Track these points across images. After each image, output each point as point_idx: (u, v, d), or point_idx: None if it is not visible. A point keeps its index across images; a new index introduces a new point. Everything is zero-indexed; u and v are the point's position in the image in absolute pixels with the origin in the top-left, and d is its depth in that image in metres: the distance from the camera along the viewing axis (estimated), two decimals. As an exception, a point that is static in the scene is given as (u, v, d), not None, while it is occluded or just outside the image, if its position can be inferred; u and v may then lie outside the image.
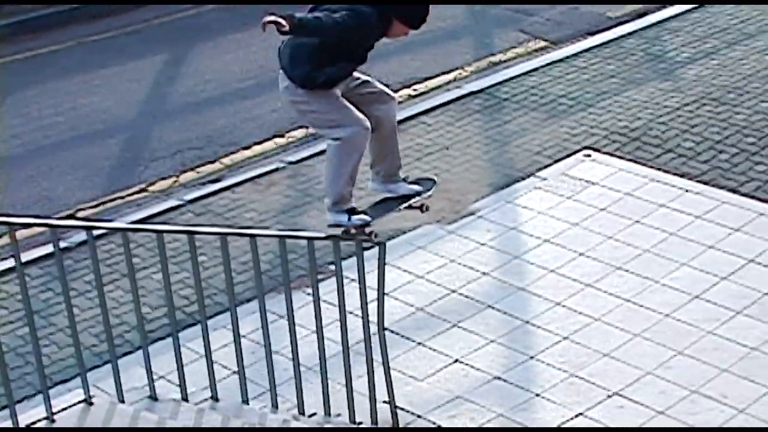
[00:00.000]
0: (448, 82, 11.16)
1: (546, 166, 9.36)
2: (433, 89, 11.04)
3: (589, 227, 8.50)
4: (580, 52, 11.40)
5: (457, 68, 11.49)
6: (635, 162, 9.28)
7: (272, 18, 5.76)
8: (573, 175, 9.20)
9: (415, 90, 11.07)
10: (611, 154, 9.44)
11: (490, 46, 11.96)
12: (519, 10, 12.79)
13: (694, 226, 8.42)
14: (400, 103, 10.74)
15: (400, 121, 10.30)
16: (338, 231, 6.54)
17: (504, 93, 10.70)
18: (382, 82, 6.59)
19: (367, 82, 6.47)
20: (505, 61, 11.55)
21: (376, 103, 6.45)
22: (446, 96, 10.74)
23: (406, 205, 6.74)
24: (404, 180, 6.81)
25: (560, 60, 11.29)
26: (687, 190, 8.86)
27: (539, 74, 11.02)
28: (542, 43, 11.94)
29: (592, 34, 11.96)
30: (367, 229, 6.52)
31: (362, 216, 6.53)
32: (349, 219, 6.50)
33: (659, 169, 9.15)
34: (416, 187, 6.80)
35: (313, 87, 6.18)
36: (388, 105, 6.50)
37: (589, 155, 9.47)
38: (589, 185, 9.04)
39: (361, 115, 6.29)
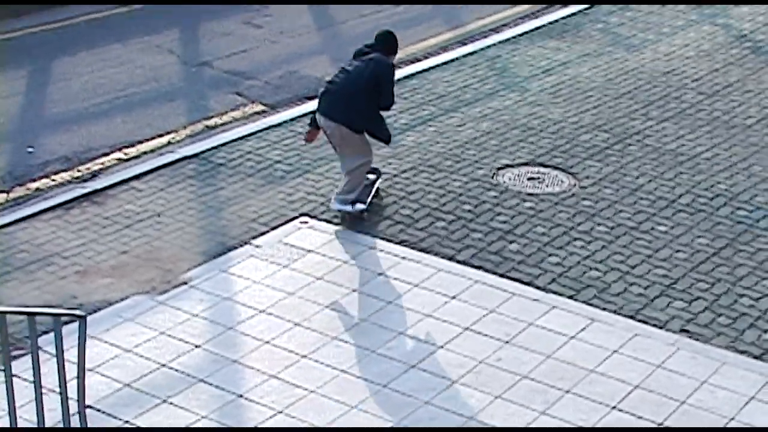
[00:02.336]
0: (162, 146, 11.06)
1: (262, 234, 9.39)
2: (145, 153, 10.91)
3: (306, 296, 8.56)
4: (299, 117, 11.56)
5: (170, 131, 11.41)
6: (353, 229, 9.44)
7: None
8: (290, 242, 9.27)
9: (126, 154, 10.90)
10: (329, 221, 9.57)
11: (206, 109, 11.95)
12: (236, 72, 12.87)
13: (412, 294, 8.62)
14: (108, 168, 10.62)
15: (109, 187, 10.16)
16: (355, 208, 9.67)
17: (219, 158, 10.70)
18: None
19: None
20: (221, 125, 11.57)
21: None
22: (159, 160, 10.64)
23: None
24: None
25: (278, 124, 11.40)
26: (405, 258, 9.07)
27: (256, 139, 11.09)
28: (260, 107, 12.04)
29: (311, 98, 12.14)
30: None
31: (359, 205, 9.61)
32: (353, 206, 9.58)
33: (377, 237, 9.34)
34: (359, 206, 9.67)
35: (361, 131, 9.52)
36: None
37: (306, 222, 9.57)
38: (305, 253, 9.12)
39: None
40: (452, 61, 13.10)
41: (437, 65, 12.89)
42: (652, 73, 12.80)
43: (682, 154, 10.87)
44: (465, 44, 13.68)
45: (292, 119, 11.53)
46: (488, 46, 13.59)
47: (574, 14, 14.76)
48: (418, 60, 12.97)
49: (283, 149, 10.88)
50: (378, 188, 9.96)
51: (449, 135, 11.19)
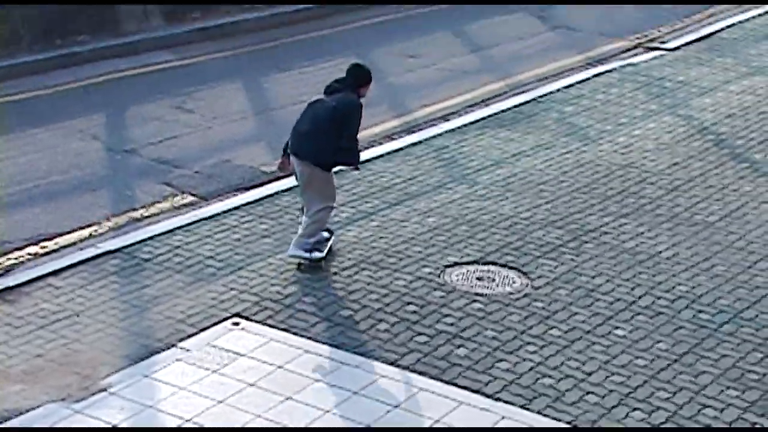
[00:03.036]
0: (82, 240, 11.01)
1: (190, 336, 9.32)
2: (64, 247, 10.85)
3: (237, 404, 8.49)
4: (232, 209, 11.57)
5: (92, 224, 11.37)
6: (288, 331, 9.41)
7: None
8: (219, 345, 9.21)
9: (43, 247, 10.83)
10: (262, 323, 9.53)
11: (132, 200, 11.93)
12: (165, 160, 12.88)
13: (351, 402, 8.57)
14: (22, 263, 10.55)
15: (23, 284, 10.08)
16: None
17: (145, 253, 10.65)
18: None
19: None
20: (147, 217, 11.54)
21: None
22: (79, 255, 10.57)
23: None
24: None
25: (209, 217, 11.40)
26: (344, 363, 9.04)
27: (185, 233, 11.06)
28: (190, 198, 12.04)
29: (245, 189, 12.18)
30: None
31: (317, 254, 10.39)
32: (311, 253, 10.35)
33: (314, 340, 9.31)
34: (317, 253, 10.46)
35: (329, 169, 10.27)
36: None
37: (237, 324, 9.52)
38: (237, 357, 9.06)
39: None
40: (397, 151, 13.21)
41: (381, 155, 12.99)
42: (609, 165, 12.97)
43: (642, 253, 10.97)
44: (411, 133, 13.82)
45: (225, 212, 11.53)
46: (436, 136, 13.73)
47: (527, 102, 14.98)
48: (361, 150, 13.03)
49: (215, 244, 10.87)
50: (330, 246, 10.64)
51: (393, 230, 11.23)
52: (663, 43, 17.92)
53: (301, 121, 10.32)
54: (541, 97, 15.20)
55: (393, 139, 13.67)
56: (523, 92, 15.48)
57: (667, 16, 19.65)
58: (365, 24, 18.51)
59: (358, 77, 10.30)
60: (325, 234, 10.64)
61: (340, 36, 17.94)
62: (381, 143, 13.40)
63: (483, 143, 13.52)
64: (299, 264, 10.39)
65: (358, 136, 10.29)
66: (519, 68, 16.71)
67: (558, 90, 15.50)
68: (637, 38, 18.30)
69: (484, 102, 15.12)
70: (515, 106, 14.83)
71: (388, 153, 13.12)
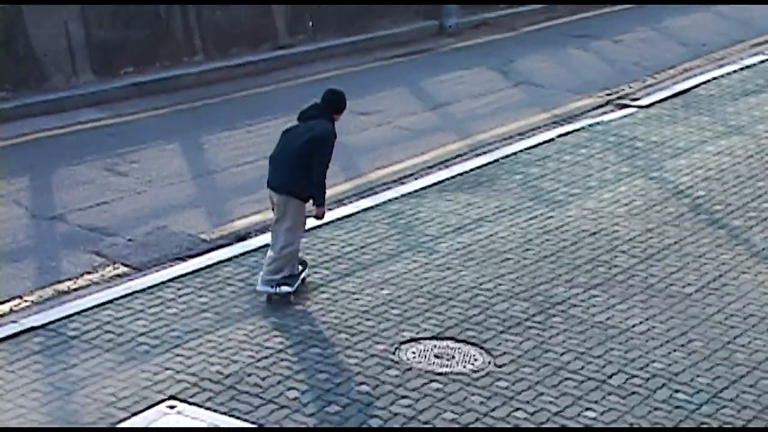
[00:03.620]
0: (3, 315, 10.93)
1: (121, 420, 9.25)
2: (-18, 323, 10.80)
3: (172, 496, 8.42)
4: (168, 281, 11.53)
5: (14, 298, 11.30)
6: (230, 415, 9.35)
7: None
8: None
9: (-41, 324, 10.78)
10: (201, 406, 9.48)
11: (58, 272, 11.88)
12: (95, 228, 12.85)
13: (297, 492, 8.53)
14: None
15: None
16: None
17: (72, 330, 10.59)
18: None
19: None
20: (75, 290, 11.49)
21: None
22: (-1, 332, 10.53)
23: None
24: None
25: (143, 290, 11.35)
26: (290, 449, 9.00)
27: (117, 307, 11.01)
28: (122, 269, 12.00)
29: (183, 259, 12.15)
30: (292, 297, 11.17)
31: (285, 288, 11.08)
32: (279, 288, 11.04)
33: (258, 423, 9.26)
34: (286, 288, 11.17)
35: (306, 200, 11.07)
36: None
37: (173, 407, 9.46)
38: (173, 444, 9.01)
39: None
40: (349, 216, 13.24)
41: (331, 221, 13.00)
42: (578, 232, 13.05)
43: (613, 327, 11.01)
44: (364, 197, 13.87)
45: (160, 284, 11.49)
46: (391, 200, 13.78)
47: (489, 164, 15.08)
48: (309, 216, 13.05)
49: (149, 319, 10.82)
50: (304, 278, 11.38)
51: (344, 303, 11.23)
52: (635, 100, 18.13)
53: (276, 151, 11.09)
54: (504, 158, 15.30)
55: (344, 203, 13.71)
56: (484, 153, 15.59)
57: (638, 71, 19.91)
58: (314, 79, 18.61)
59: (333, 103, 11.11)
60: (300, 267, 11.32)
61: (285, 92, 18.02)
62: (330, 208, 13.39)
63: (442, 208, 13.58)
64: (269, 296, 11.06)
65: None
66: (480, 127, 16.84)
67: (522, 150, 15.62)
68: (607, 95, 18.51)
69: (443, 163, 15.21)
70: (476, 168, 14.92)
71: (339, 219, 13.14)
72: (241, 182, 14.32)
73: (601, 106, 17.95)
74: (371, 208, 13.51)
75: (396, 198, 13.88)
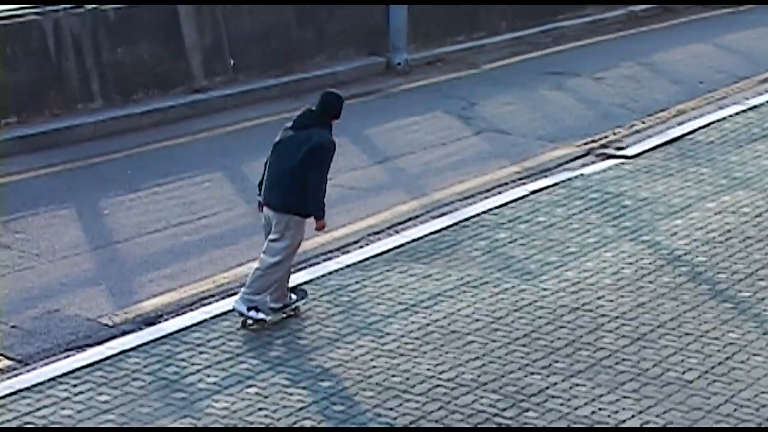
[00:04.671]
0: None
1: None
2: None
3: None
4: (61, 376, 11.40)
5: None
6: None
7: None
8: None
9: None
10: None
11: (-73, 366, 11.76)
12: (-28, 312, 12.76)
13: None
14: None
15: None
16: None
17: (-56, 436, 10.45)
18: None
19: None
20: (-53, 387, 11.37)
21: None
22: None
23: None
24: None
25: (30, 387, 11.21)
26: None
27: (-2, 408, 10.91)
28: (4, 362, 11.88)
29: (80, 349, 12.04)
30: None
31: (261, 314, 12.11)
32: (256, 312, 12.13)
33: None
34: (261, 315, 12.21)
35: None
36: None
37: None
38: None
39: None
40: (280, 294, 13.17)
41: (259, 300, 12.94)
42: (555, 308, 13.04)
43: (600, 423, 10.99)
44: (299, 270, 13.79)
45: (52, 379, 11.36)
46: (331, 273, 13.75)
47: (448, 227, 15.08)
48: (233, 293, 12.97)
49: (37, 423, 10.69)
50: (297, 307, 12.47)
51: (276, 399, 11.15)
52: (621, 148, 18.22)
53: (270, 166, 12.09)
54: (465, 220, 15.30)
55: (274, 278, 13.66)
56: (442, 214, 15.60)
57: (624, 114, 20.04)
58: (236, 128, 18.60)
59: (332, 107, 12.19)
60: (294, 296, 12.47)
61: (202, 144, 17.99)
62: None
63: (392, 282, 13.54)
64: (244, 321, 12.05)
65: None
66: (437, 183, 16.89)
67: (487, 211, 15.63)
68: (588, 143, 18.61)
69: (393, 228, 15.20)
70: (433, 233, 14.91)
71: (268, 297, 13.09)
72: (149, 255, 14.23)
73: (580, 156, 18.03)
74: (307, 282, 13.44)
75: (337, 270, 13.83)
